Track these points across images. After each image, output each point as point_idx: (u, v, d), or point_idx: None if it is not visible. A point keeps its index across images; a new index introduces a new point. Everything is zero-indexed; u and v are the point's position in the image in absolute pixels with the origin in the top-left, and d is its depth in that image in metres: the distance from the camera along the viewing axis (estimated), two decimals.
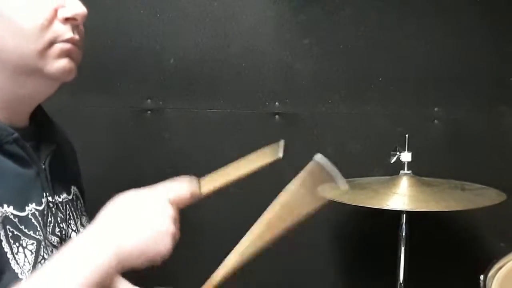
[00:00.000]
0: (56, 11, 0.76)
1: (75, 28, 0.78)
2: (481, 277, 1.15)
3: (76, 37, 0.79)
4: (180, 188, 0.78)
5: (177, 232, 0.73)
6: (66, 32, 0.77)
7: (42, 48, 0.75)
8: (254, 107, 1.62)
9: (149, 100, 1.61)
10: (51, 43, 0.76)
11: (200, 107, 1.61)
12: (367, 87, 1.63)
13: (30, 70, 0.76)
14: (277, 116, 1.62)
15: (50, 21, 0.75)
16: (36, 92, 0.81)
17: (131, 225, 0.71)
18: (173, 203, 0.75)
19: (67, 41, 0.77)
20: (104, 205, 0.73)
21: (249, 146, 1.64)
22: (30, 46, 0.75)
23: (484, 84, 1.64)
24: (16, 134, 0.78)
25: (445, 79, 1.64)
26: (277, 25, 1.62)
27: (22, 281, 0.71)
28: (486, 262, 1.19)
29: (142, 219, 0.71)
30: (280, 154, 0.91)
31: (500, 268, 1.17)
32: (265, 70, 1.62)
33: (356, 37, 1.62)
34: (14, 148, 0.78)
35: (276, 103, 1.62)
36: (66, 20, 0.77)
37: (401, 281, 1.35)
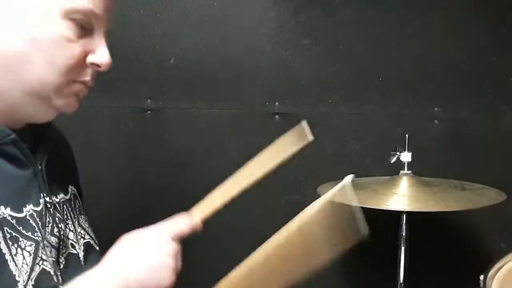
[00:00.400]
0: (87, 54, 0.80)
1: (94, 72, 0.82)
2: (481, 277, 1.15)
3: (92, 82, 0.83)
4: (179, 224, 0.84)
5: (178, 266, 0.81)
6: (87, 75, 0.81)
7: (62, 84, 0.78)
8: (254, 107, 1.62)
9: (149, 100, 1.61)
10: (71, 81, 0.80)
11: (200, 107, 1.61)
12: (367, 87, 1.63)
13: (42, 97, 0.79)
14: (277, 116, 1.62)
15: (79, 63, 0.79)
16: (36, 115, 0.83)
17: (134, 260, 0.78)
18: (174, 238, 0.81)
19: (83, 83, 0.81)
20: (113, 242, 0.80)
21: (249, 146, 1.64)
22: (53, 78, 0.77)
23: (484, 84, 1.64)
24: (13, 135, 0.78)
25: (445, 79, 1.64)
26: (277, 25, 1.62)
27: None
28: (486, 262, 1.19)
29: (144, 255, 0.78)
30: (310, 137, 0.92)
31: (500, 268, 1.17)
32: (265, 70, 1.62)
33: (356, 37, 1.62)
34: (11, 149, 0.78)
35: (276, 103, 1.62)
36: (91, 64, 0.81)
37: (401, 281, 1.35)
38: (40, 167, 0.84)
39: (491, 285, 1.13)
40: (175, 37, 1.60)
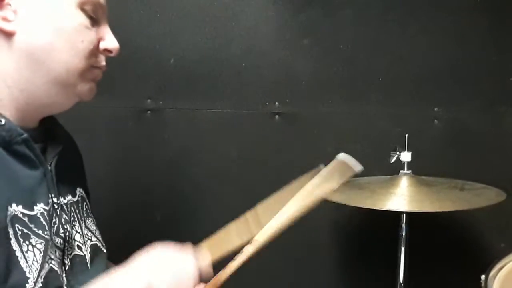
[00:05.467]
0: (99, 41, 0.86)
1: (106, 58, 0.89)
2: (482, 277, 1.15)
3: (106, 67, 0.89)
4: (203, 265, 0.83)
5: None
6: (102, 61, 0.88)
7: (85, 68, 0.84)
8: (254, 107, 1.62)
9: (149, 100, 1.60)
10: (91, 66, 0.85)
11: (200, 107, 1.61)
12: (367, 87, 1.63)
13: (66, 84, 0.83)
14: (277, 116, 1.62)
15: (96, 49, 0.86)
16: (57, 104, 0.86)
17: (160, 270, 0.77)
18: (197, 274, 0.81)
19: (100, 68, 0.88)
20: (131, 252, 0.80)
21: (249, 146, 1.65)
22: (78, 63, 0.83)
23: (484, 84, 1.64)
24: (25, 135, 0.79)
25: (445, 79, 1.64)
26: (277, 25, 1.62)
27: None
28: (487, 262, 1.19)
29: (170, 268, 0.78)
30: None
31: (501, 268, 1.17)
32: (265, 70, 1.62)
33: (356, 37, 1.62)
34: (22, 149, 0.79)
35: (276, 103, 1.62)
36: (104, 50, 0.87)
37: (401, 281, 1.35)
38: (49, 167, 0.84)
39: (492, 285, 1.13)
40: (175, 37, 1.60)
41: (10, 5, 0.77)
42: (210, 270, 0.84)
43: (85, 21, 0.83)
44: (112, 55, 0.89)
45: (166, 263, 0.79)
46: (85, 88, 0.86)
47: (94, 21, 0.85)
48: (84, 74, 0.84)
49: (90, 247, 0.91)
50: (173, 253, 0.81)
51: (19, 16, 0.78)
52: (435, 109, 1.64)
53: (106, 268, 0.93)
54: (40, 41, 0.79)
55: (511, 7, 1.62)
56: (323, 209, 1.63)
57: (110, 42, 0.88)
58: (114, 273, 0.78)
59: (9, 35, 0.78)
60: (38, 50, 0.79)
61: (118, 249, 1.02)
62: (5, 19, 0.77)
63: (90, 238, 0.92)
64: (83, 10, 0.82)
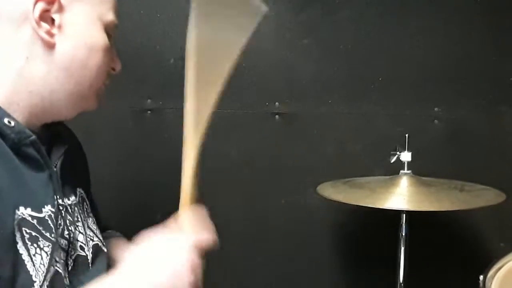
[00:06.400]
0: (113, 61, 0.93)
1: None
2: (481, 277, 1.15)
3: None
4: (203, 238, 0.83)
5: (197, 279, 0.79)
6: (108, 78, 0.93)
7: (101, 86, 0.91)
8: (254, 107, 1.62)
9: (149, 100, 1.61)
10: (103, 84, 0.92)
11: None
12: (367, 87, 1.63)
13: (84, 98, 0.88)
14: (277, 116, 1.62)
15: (112, 68, 0.93)
16: (64, 113, 0.89)
17: (156, 265, 0.77)
18: (196, 251, 0.80)
19: (106, 85, 0.93)
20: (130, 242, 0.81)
21: (249, 146, 1.65)
22: (99, 81, 0.89)
23: (484, 84, 1.64)
24: (33, 137, 0.80)
25: (445, 79, 1.64)
26: (277, 25, 1.62)
27: None
28: (486, 262, 1.19)
29: (166, 261, 0.77)
30: (264, 8, 0.94)
31: (500, 268, 1.17)
32: (265, 70, 1.62)
33: (356, 37, 1.62)
34: (30, 151, 0.80)
35: (276, 103, 1.62)
36: (111, 69, 0.93)
37: (401, 281, 1.35)
38: (55, 169, 0.85)
39: (490, 285, 1.13)
40: (175, 37, 1.60)
41: (55, 20, 0.81)
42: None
43: (108, 42, 0.88)
44: (114, 73, 0.95)
45: (162, 257, 0.77)
46: (93, 103, 0.91)
47: (110, 42, 0.90)
48: (99, 91, 0.90)
49: (92, 247, 0.91)
50: (170, 245, 0.79)
51: (61, 31, 0.82)
52: (435, 109, 1.64)
53: (107, 267, 0.93)
54: (78, 57, 0.84)
55: (511, 7, 1.62)
56: (323, 208, 1.63)
57: (117, 62, 0.94)
58: (109, 275, 0.77)
59: (50, 47, 0.82)
60: (74, 65, 0.84)
61: None
62: (49, 32, 0.81)
63: (92, 238, 0.92)
64: (106, 31, 0.87)
